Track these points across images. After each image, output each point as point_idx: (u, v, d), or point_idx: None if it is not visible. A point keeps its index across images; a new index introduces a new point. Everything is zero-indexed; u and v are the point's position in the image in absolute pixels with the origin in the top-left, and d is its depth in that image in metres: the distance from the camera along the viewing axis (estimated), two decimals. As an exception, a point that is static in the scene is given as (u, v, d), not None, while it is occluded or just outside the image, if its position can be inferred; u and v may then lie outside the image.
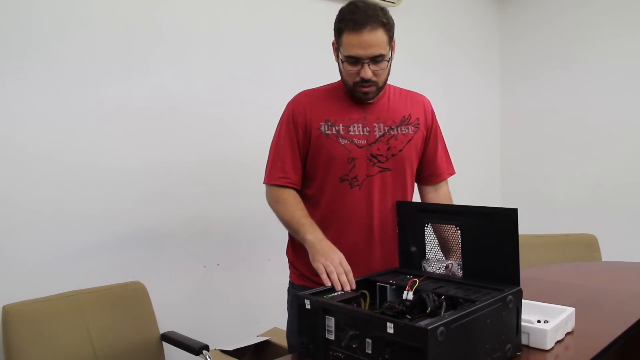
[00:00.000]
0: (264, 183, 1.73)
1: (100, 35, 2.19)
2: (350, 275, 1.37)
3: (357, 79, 1.57)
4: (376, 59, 1.54)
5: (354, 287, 1.34)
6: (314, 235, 1.53)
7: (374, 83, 1.59)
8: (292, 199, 1.66)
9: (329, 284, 1.35)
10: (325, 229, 1.63)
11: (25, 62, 2.01)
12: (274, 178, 1.68)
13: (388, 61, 1.57)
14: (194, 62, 2.48)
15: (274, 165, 1.69)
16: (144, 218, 2.34)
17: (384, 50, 1.54)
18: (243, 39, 2.65)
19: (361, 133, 1.65)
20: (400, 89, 1.79)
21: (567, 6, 3.73)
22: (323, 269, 1.39)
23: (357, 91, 1.61)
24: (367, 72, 1.54)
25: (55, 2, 2.07)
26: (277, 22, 2.78)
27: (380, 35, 1.52)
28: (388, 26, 1.54)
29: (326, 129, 1.64)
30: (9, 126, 1.98)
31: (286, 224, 1.66)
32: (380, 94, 1.69)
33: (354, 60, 1.54)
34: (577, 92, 3.69)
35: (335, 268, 1.38)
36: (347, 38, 1.53)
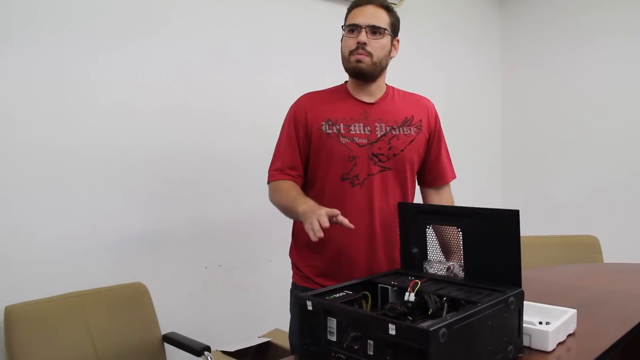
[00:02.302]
0: (267, 184, 1.76)
1: (101, 35, 2.20)
2: (328, 217, 1.35)
3: (353, 46, 1.63)
4: (374, 30, 1.62)
5: (347, 224, 1.36)
6: (305, 205, 1.49)
7: (369, 54, 1.63)
8: (287, 185, 1.67)
9: (315, 238, 1.33)
10: (330, 234, 1.63)
11: (27, 60, 2.02)
12: (271, 175, 1.73)
13: (384, 32, 1.63)
14: (196, 62, 2.48)
15: (274, 165, 1.73)
16: (146, 219, 2.34)
17: (383, 25, 1.63)
18: (247, 38, 2.65)
19: (362, 132, 1.66)
20: (404, 91, 1.80)
21: (567, 5, 3.73)
22: (310, 228, 1.35)
23: (351, 61, 1.65)
24: (363, 36, 1.62)
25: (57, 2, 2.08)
26: (281, 22, 2.79)
27: (382, 14, 1.65)
28: (391, 13, 1.67)
29: (327, 128, 1.66)
30: (11, 126, 1.99)
31: (284, 208, 1.64)
32: (382, 93, 1.73)
33: (354, 27, 1.63)
34: (579, 92, 3.69)
35: (317, 217, 1.35)
36: (351, 13, 1.66)
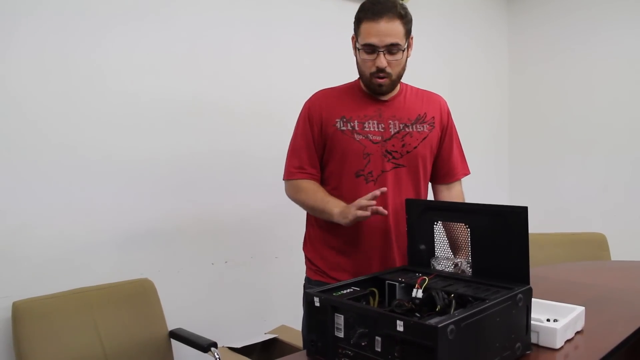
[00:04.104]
0: (283, 179, 1.78)
1: (110, 32, 2.20)
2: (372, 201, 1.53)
3: (373, 68, 1.61)
4: (391, 49, 1.59)
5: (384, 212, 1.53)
6: (339, 207, 1.61)
7: (389, 75, 1.62)
8: (312, 186, 1.72)
9: (368, 213, 1.51)
10: (345, 228, 1.65)
11: (34, 57, 2.02)
12: (291, 173, 1.75)
13: (403, 51, 1.61)
14: (204, 59, 2.48)
15: (291, 162, 1.75)
16: (153, 215, 2.34)
17: (399, 40, 1.59)
18: (255, 35, 2.65)
19: (376, 129, 1.68)
20: (417, 88, 1.82)
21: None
22: (360, 214, 1.51)
23: (372, 82, 1.65)
24: (382, 61, 1.59)
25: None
26: (289, 20, 2.78)
27: (397, 26, 1.57)
28: (405, 19, 1.60)
29: (341, 125, 1.68)
30: (19, 122, 1.99)
31: (311, 208, 1.72)
32: (396, 91, 1.73)
33: (370, 49, 1.59)
34: (587, 87, 3.67)
35: (362, 205, 1.51)
36: (365, 26, 1.59)
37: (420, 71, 2.83)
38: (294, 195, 1.76)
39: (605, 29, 3.55)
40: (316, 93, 1.78)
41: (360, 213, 1.51)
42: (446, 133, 1.80)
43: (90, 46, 2.15)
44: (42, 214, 2.05)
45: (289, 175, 1.76)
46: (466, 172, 1.88)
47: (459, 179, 1.86)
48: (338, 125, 1.68)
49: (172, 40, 2.38)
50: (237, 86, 2.60)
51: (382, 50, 1.58)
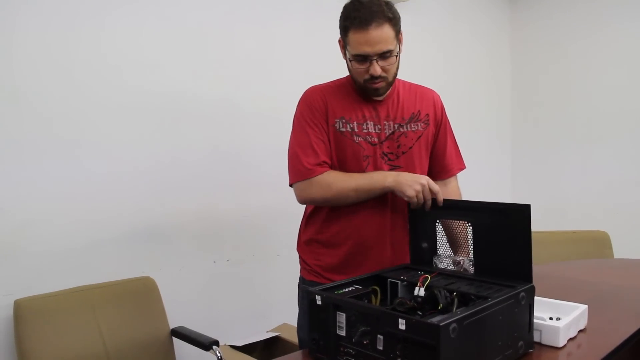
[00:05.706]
0: (295, 181, 1.64)
1: (110, 34, 2.20)
2: (438, 195, 1.50)
3: (367, 76, 1.56)
4: (384, 55, 1.53)
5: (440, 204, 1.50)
6: (391, 176, 1.57)
7: (384, 78, 1.58)
8: (340, 174, 1.61)
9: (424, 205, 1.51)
10: (341, 228, 1.64)
11: (35, 58, 2.02)
12: (311, 171, 1.60)
13: (396, 56, 1.57)
14: (204, 57, 2.48)
15: (306, 160, 1.61)
16: (154, 213, 2.34)
17: (391, 45, 1.53)
18: (254, 34, 2.64)
19: (373, 131, 1.65)
20: (410, 83, 1.78)
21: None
22: (415, 202, 1.50)
23: (367, 88, 1.60)
24: (376, 69, 1.53)
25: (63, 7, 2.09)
26: (288, 18, 2.78)
27: (386, 30, 1.51)
28: (394, 20, 1.53)
29: (340, 126, 1.64)
30: (21, 121, 1.99)
31: (357, 191, 1.59)
32: (390, 89, 1.69)
33: (362, 58, 1.54)
34: (589, 85, 3.65)
35: (424, 194, 1.50)
36: (354, 36, 1.52)
37: (422, 65, 2.83)
38: (327, 192, 1.60)
39: (609, 22, 3.54)
40: (311, 88, 1.71)
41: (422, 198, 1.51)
42: (440, 129, 1.77)
43: (92, 49, 2.15)
44: (44, 212, 2.05)
45: (308, 174, 1.60)
46: (461, 167, 1.84)
47: (454, 175, 1.83)
48: (337, 125, 1.63)
49: (174, 42, 2.38)
50: (239, 84, 2.59)
51: (374, 58, 1.52)
